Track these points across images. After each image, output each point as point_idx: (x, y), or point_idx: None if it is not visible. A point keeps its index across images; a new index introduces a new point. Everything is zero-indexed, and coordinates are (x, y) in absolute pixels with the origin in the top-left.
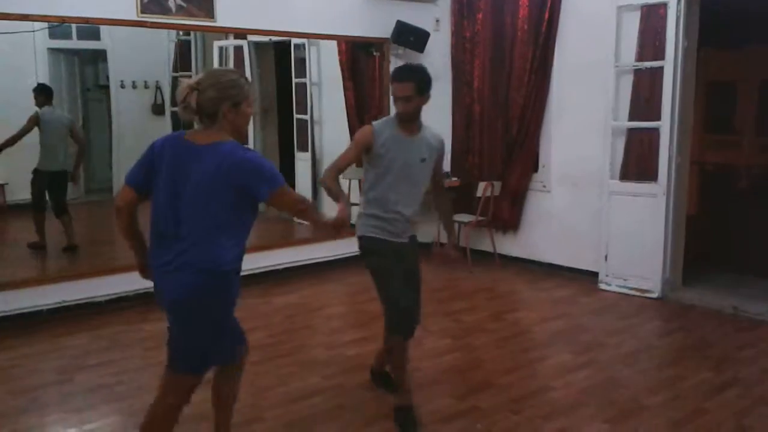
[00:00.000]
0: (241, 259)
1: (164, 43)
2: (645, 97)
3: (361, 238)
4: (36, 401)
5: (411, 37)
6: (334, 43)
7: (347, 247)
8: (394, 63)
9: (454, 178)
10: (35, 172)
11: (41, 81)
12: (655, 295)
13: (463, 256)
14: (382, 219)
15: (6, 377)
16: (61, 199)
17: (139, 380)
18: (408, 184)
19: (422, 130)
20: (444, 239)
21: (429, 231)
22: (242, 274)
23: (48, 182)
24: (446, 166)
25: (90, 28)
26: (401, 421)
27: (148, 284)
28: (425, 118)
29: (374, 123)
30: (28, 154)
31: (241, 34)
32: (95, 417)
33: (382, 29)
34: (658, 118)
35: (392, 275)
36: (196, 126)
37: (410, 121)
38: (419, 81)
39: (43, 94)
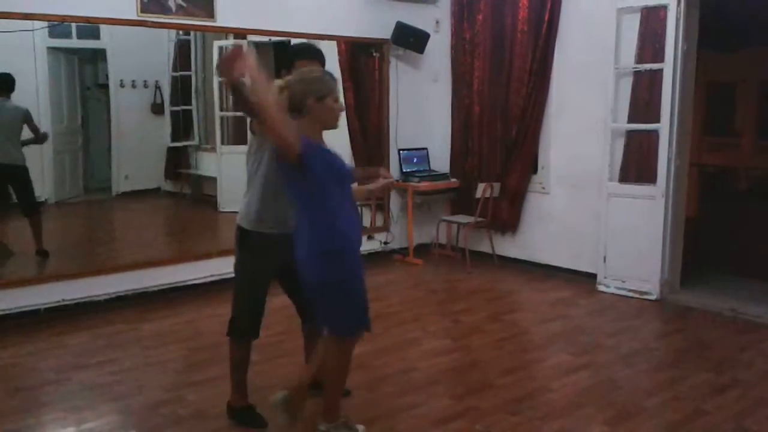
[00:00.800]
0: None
1: (164, 42)
2: (644, 99)
3: (247, 231)
4: (34, 400)
5: (411, 38)
6: (334, 43)
7: None
8: (394, 64)
9: (454, 179)
10: None
11: (41, 80)
12: (653, 297)
13: (462, 257)
14: (274, 209)
15: (4, 376)
16: (30, 197)
17: (137, 379)
18: None
19: None
20: (441, 240)
21: (428, 232)
22: None
23: (8, 177)
24: (445, 167)
25: (90, 27)
26: (248, 420)
27: (146, 283)
28: (427, 117)
29: None
30: (27, 153)
31: (240, 34)
32: (94, 416)
33: (382, 30)
34: (658, 120)
35: (264, 278)
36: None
37: None
38: (323, 62)
39: (6, 85)
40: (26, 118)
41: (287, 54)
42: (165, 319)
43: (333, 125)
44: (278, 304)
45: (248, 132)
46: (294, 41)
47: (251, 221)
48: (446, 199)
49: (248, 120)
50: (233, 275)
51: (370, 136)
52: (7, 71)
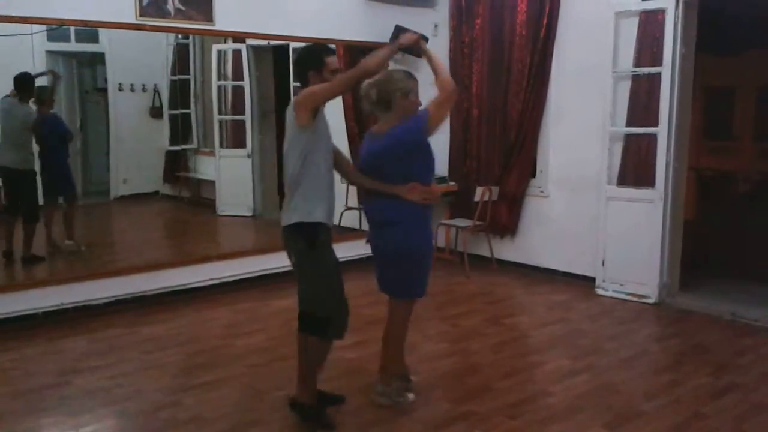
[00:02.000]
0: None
1: (162, 46)
2: (643, 102)
3: (314, 225)
4: (33, 404)
5: None
6: (333, 47)
7: (344, 251)
8: (393, 67)
9: (452, 183)
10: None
11: (40, 83)
12: (652, 301)
13: (461, 261)
14: (328, 200)
15: (3, 379)
16: (25, 202)
17: (136, 383)
18: (330, 159)
19: None
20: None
21: None
22: (240, 277)
23: (12, 182)
24: (444, 170)
25: (88, 30)
26: (316, 418)
27: (145, 287)
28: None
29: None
30: None
31: (239, 37)
32: (92, 420)
33: (381, 34)
34: (656, 124)
35: (338, 270)
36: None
37: None
38: None
39: (17, 86)
40: (27, 122)
41: (314, 55)
42: (164, 323)
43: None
44: (276, 307)
45: (292, 127)
46: (293, 45)
47: (316, 215)
48: (445, 203)
49: (289, 113)
50: (307, 277)
51: None
52: (6, 74)
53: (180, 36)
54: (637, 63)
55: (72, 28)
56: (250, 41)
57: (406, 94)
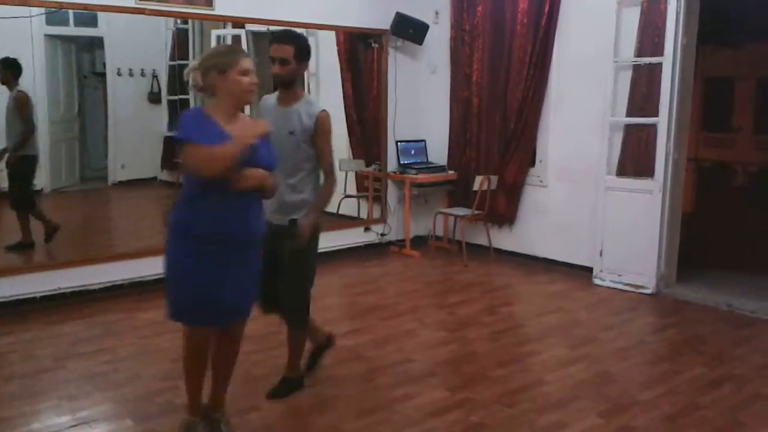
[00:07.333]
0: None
1: (162, 31)
2: (643, 93)
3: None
4: (29, 388)
5: (410, 29)
6: (333, 33)
7: (341, 239)
8: (393, 55)
9: (451, 171)
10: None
11: (38, 68)
12: (649, 291)
13: (459, 250)
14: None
15: (0, 363)
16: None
17: (133, 368)
18: (280, 158)
19: (300, 102)
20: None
21: (425, 224)
22: None
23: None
24: (443, 159)
25: (87, 14)
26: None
27: (142, 272)
28: (425, 109)
29: (265, 96)
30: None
31: (239, 23)
32: (89, 404)
33: (381, 21)
34: (656, 115)
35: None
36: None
37: (285, 87)
38: (299, 46)
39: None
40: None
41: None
42: (161, 308)
43: (246, 100)
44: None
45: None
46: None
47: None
48: (443, 192)
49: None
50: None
51: (368, 127)
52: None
53: (179, 21)
54: (639, 53)
55: (71, 12)
56: (249, 26)
57: (222, 72)
